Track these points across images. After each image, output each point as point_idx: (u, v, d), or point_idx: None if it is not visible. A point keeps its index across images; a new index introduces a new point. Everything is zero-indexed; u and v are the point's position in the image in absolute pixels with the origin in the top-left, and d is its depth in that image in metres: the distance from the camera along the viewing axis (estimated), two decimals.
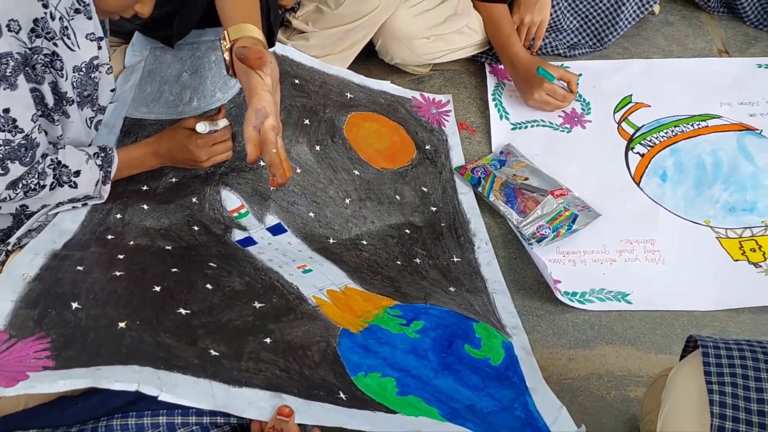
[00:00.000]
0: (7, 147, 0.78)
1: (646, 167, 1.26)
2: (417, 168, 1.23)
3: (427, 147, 1.27)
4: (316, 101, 1.21)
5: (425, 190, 1.20)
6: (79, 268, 0.83)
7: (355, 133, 1.21)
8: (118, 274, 0.83)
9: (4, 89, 0.75)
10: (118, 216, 0.95)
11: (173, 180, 1.05)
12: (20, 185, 0.81)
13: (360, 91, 1.30)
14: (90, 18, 0.84)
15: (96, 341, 0.71)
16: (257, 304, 0.84)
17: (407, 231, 1.12)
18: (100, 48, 0.88)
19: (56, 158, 0.86)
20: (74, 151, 0.89)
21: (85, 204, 0.94)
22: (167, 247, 0.91)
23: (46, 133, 0.85)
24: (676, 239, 1.14)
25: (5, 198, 0.81)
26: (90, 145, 0.96)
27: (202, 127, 0.95)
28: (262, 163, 1.09)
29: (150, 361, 0.69)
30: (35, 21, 0.78)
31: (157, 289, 0.82)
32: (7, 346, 0.68)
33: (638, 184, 1.24)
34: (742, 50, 1.51)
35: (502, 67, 1.43)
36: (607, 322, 1.03)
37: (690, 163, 1.26)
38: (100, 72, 0.90)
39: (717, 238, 1.13)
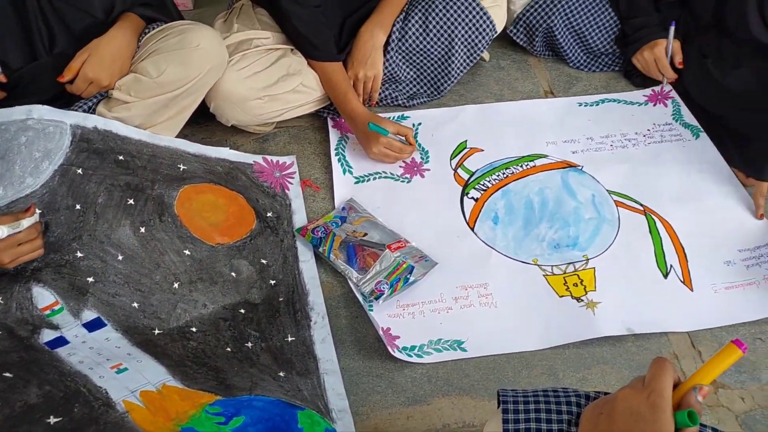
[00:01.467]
0: None
1: (480, 211, 1.32)
2: (256, 239, 1.21)
3: (269, 214, 1.26)
4: (143, 177, 1.16)
5: (264, 262, 1.18)
6: None
7: (187, 208, 1.18)
8: None
9: None
10: None
11: None
12: None
13: (195, 161, 1.27)
14: None
15: None
16: (53, 419, 0.78)
17: (242, 311, 1.09)
18: None
19: None
20: None
21: None
22: None
23: None
24: (506, 281, 1.19)
25: None
26: None
27: (1, 232, 0.89)
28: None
29: None
30: None
31: None
32: None
33: (472, 229, 1.29)
34: (565, 90, 1.63)
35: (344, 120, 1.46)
36: (444, 374, 1.06)
37: (519, 203, 1.33)
38: None
39: (544, 275, 1.20)
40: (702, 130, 1.48)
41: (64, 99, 1.20)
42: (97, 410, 0.82)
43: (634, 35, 1.57)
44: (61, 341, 0.94)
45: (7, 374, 0.83)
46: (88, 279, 1.03)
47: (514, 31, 1.68)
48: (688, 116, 1.52)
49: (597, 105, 1.58)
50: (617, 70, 1.67)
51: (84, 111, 1.20)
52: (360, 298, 1.14)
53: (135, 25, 1.23)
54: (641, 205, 1.32)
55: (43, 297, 0.98)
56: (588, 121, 1.53)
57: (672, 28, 1.49)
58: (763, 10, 1.40)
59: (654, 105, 1.57)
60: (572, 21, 1.61)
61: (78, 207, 1.07)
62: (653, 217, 1.30)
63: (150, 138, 1.23)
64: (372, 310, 1.12)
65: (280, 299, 1.13)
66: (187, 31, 1.22)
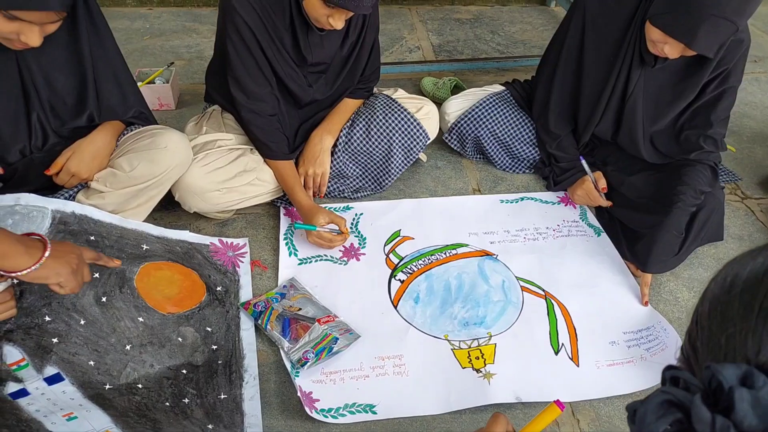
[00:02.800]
0: None
1: (404, 292, 1.52)
2: (204, 309, 1.39)
3: (218, 288, 1.45)
4: (109, 255, 1.36)
5: (209, 329, 1.36)
6: None
7: (145, 282, 1.36)
8: None
9: None
10: None
11: None
12: None
13: (157, 242, 1.47)
14: None
15: None
16: None
17: (184, 371, 1.25)
18: None
19: None
20: None
21: None
22: None
23: None
24: (420, 353, 1.36)
25: None
26: None
27: None
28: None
29: None
30: None
31: None
32: None
33: (395, 307, 1.48)
34: (491, 188, 1.88)
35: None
36: None
37: (439, 286, 1.53)
38: None
39: (452, 349, 1.38)
40: (603, 230, 1.72)
41: (50, 188, 1.42)
42: None
43: (562, 176, 1.79)
44: (23, 393, 1.09)
45: None
46: (53, 340, 1.19)
47: (449, 137, 1.95)
48: (592, 218, 1.76)
49: (516, 202, 1.82)
50: (536, 173, 1.93)
51: (65, 198, 1.41)
52: (288, 366, 1.31)
53: (116, 128, 1.48)
54: (543, 290, 1.53)
55: (12, 354, 1.14)
56: (507, 215, 1.76)
57: (584, 163, 1.71)
58: (652, 140, 1.66)
59: (565, 205, 1.81)
60: (496, 131, 1.88)
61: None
62: (552, 300, 1.50)
63: (119, 221, 1.44)
64: (297, 376, 1.29)
65: (219, 362, 1.30)
66: (158, 134, 1.46)
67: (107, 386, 1.18)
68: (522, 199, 1.83)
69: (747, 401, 0.37)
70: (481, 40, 2.78)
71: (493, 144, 1.90)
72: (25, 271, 0.96)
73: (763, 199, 1.88)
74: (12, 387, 1.10)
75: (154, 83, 2.13)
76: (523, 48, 2.72)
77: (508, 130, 1.88)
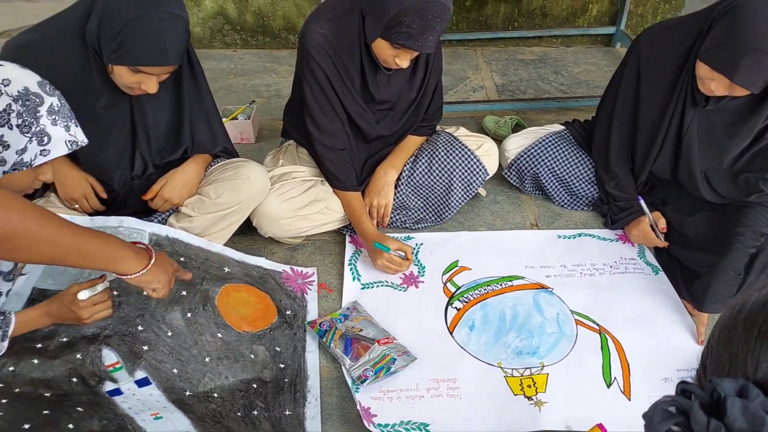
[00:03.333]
0: None
1: (460, 319, 1.59)
2: (275, 331, 1.50)
3: (288, 312, 1.57)
4: (195, 275, 1.49)
5: (278, 349, 1.47)
6: None
7: (225, 302, 1.50)
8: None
9: None
10: (11, 368, 1.19)
11: (64, 339, 1.29)
12: None
13: (237, 266, 1.61)
14: None
15: None
16: None
17: (254, 386, 1.37)
18: None
19: None
20: None
21: None
22: (46, 394, 1.15)
23: None
24: (473, 378, 1.43)
25: None
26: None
27: (83, 295, 1.21)
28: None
29: None
30: None
31: (26, 426, 1.05)
32: None
33: (451, 333, 1.55)
34: (548, 224, 1.94)
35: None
36: None
37: (494, 315, 1.60)
38: None
39: (504, 376, 1.44)
40: (661, 269, 1.73)
41: (145, 211, 1.61)
42: None
43: (620, 215, 1.83)
44: (117, 392, 1.24)
45: (80, 408, 1.14)
46: (143, 347, 1.34)
47: (508, 173, 2.03)
48: (650, 257, 1.78)
49: (574, 238, 1.87)
50: (594, 210, 1.97)
51: (159, 222, 1.60)
52: (349, 382, 1.41)
53: (204, 160, 1.66)
54: (597, 324, 1.56)
55: (109, 357, 1.29)
56: (564, 251, 1.81)
57: (642, 203, 1.74)
58: (709, 181, 1.68)
59: (623, 243, 1.84)
60: (555, 169, 1.94)
61: (145, 293, 1.42)
62: (606, 335, 1.53)
63: (205, 245, 1.60)
64: (357, 392, 1.38)
65: (286, 380, 1.41)
66: (241, 166, 1.63)
67: (187, 392, 1.31)
68: (580, 235, 1.88)
69: (738, 408, 0.44)
70: (544, 80, 2.86)
71: (551, 181, 1.96)
72: (134, 275, 1.12)
73: None
74: (108, 386, 1.26)
75: (237, 119, 2.34)
76: (586, 88, 2.78)
77: (567, 169, 1.94)
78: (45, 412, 1.10)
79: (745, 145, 1.59)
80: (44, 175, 1.15)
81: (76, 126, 1.13)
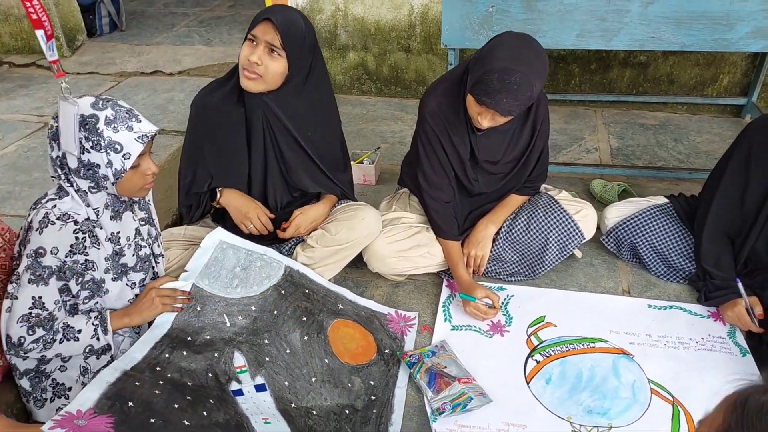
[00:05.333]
0: (36, 318, 1.31)
1: (538, 371, 1.72)
2: (372, 366, 1.71)
3: (386, 351, 1.77)
4: (315, 306, 1.76)
5: (372, 383, 1.66)
6: (137, 383, 1.34)
7: (335, 334, 1.73)
8: (157, 392, 1.35)
9: (38, 286, 1.31)
10: (167, 355, 1.48)
11: (208, 337, 1.59)
12: (41, 341, 1.33)
13: (349, 304, 1.86)
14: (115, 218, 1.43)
15: (139, 427, 1.23)
16: None
17: (347, 411, 1.57)
18: (156, 241, 1.55)
19: (66, 323, 1.36)
20: (79, 316, 1.40)
21: (103, 353, 1.46)
22: (189, 383, 1.42)
23: (66, 304, 1.39)
24: (542, 427, 1.55)
25: (31, 349, 1.33)
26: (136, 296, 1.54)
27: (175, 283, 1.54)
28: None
29: None
30: (71, 245, 1.34)
31: (176, 405, 1.34)
32: (92, 417, 1.22)
33: (528, 384, 1.68)
34: (641, 292, 2.00)
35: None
36: None
37: (572, 373, 1.71)
38: (157, 259, 1.56)
39: (572, 430, 1.54)
40: (749, 352, 1.74)
41: (273, 239, 1.93)
42: None
43: (716, 293, 1.85)
44: (239, 392, 1.50)
45: (211, 400, 1.40)
46: (266, 358, 1.59)
47: (606, 240, 2.12)
48: (741, 338, 1.79)
49: (665, 309, 1.91)
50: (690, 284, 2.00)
51: (289, 247, 1.91)
52: (428, 411, 1.59)
53: (332, 201, 1.96)
54: (672, 396, 1.61)
55: (239, 360, 1.56)
56: (652, 320, 1.87)
57: (740, 285, 1.75)
58: None
59: (714, 320, 1.86)
60: (653, 242, 2.01)
61: (275, 312, 1.69)
62: (679, 408, 1.58)
63: (326, 283, 1.86)
64: (435, 422, 1.56)
65: (374, 411, 1.60)
66: (359, 209, 1.91)
67: (293, 405, 1.53)
68: (671, 307, 1.92)
69: None
70: (662, 147, 2.88)
71: (649, 252, 2.03)
72: None
73: None
74: (234, 386, 1.51)
75: (363, 163, 2.64)
76: (705, 159, 2.76)
77: (666, 242, 2.00)
78: (188, 397, 1.37)
79: None
80: (149, 170, 1.37)
81: (139, 122, 1.31)
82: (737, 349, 1.76)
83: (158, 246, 1.59)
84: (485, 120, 1.71)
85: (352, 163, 2.53)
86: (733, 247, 1.87)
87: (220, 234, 1.75)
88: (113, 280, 1.46)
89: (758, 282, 1.84)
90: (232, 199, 1.85)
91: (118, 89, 3.39)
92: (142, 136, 1.31)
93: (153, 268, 1.57)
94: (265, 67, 1.67)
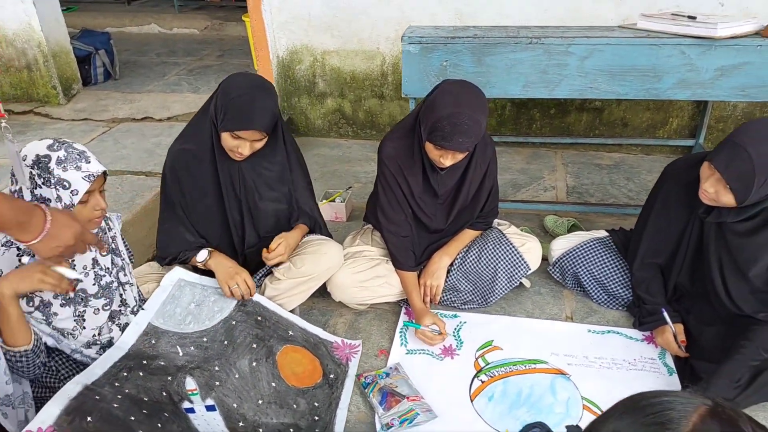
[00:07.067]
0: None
1: (482, 390, 1.88)
2: (317, 389, 1.84)
3: (331, 375, 1.91)
4: (266, 333, 1.89)
5: (316, 404, 1.80)
6: (96, 397, 1.45)
7: (283, 359, 1.86)
8: (115, 405, 1.46)
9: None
10: (125, 374, 1.58)
11: (162, 363, 1.68)
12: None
13: (299, 331, 2.00)
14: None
15: None
16: None
17: (291, 430, 1.71)
18: (122, 271, 1.69)
19: None
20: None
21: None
22: (145, 399, 1.54)
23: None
24: None
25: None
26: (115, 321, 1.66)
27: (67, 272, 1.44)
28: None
29: None
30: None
31: (132, 418, 1.44)
32: None
33: (472, 401, 1.84)
34: (582, 318, 2.17)
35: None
36: None
37: (513, 391, 1.86)
38: (124, 287, 1.70)
39: None
40: (675, 371, 1.91)
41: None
42: None
43: (648, 318, 2.02)
44: (191, 410, 1.63)
45: (166, 414, 1.53)
46: (216, 382, 1.70)
47: (552, 270, 2.30)
48: (669, 359, 1.96)
49: (603, 333, 2.09)
50: (628, 311, 2.18)
51: (257, 280, 2.08)
52: (377, 426, 1.74)
53: (304, 231, 2.14)
54: (602, 411, 1.77)
55: (190, 384, 1.67)
56: (590, 344, 2.04)
57: (665, 314, 1.93)
58: (730, 293, 1.85)
59: (648, 343, 2.03)
60: (593, 271, 2.20)
61: (226, 342, 1.81)
62: None
63: (279, 310, 2.00)
64: None
65: (317, 430, 1.74)
66: (323, 244, 2.09)
67: (240, 423, 1.66)
68: (609, 332, 2.10)
69: None
70: (615, 185, 3.10)
71: (590, 281, 2.21)
72: (30, 243, 1.21)
73: None
74: (186, 404, 1.64)
75: (335, 202, 2.85)
76: None
77: (605, 271, 2.18)
78: (144, 411, 1.48)
79: (765, 261, 1.77)
80: (98, 206, 1.47)
81: (89, 162, 1.43)
82: (665, 369, 1.93)
83: (125, 275, 1.74)
84: (447, 160, 1.90)
85: (324, 201, 2.73)
86: (664, 276, 2.05)
87: (178, 273, 1.91)
88: (62, 306, 1.54)
89: (685, 307, 2.02)
90: (221, 261, 1.97)
91: (110, 134, 3.61)
92: (89, 175, 1.43)
93: (121, 295, 1.72)
94: (252, 150, 1.88)
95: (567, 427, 0.72)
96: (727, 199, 1.68)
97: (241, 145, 1.83)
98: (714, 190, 1.70)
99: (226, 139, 1.84)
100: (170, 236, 1.99)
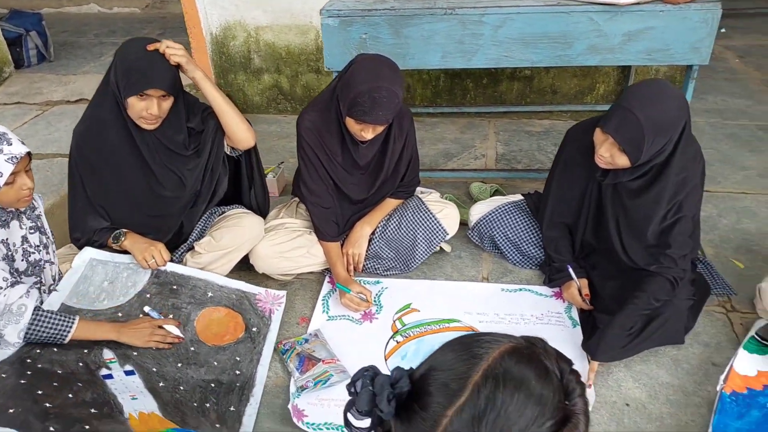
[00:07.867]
0: None
1: (397, 350, 1.96)
2: (239, 344, 1.92)
3: (254, 329, 1.99)
4: (182, 300, 1.95)
5: (238, 359, 1.87)
6: (2, 375, 1.50)
7: (202, 323, 1.93)
8: (22, 381, 1.50)
9: None
10: (38, 351, 1.62)
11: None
12: None
13: (219, 290, 2.06)
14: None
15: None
16: (92, 410, 1.49)
17: (212, 385, 1.77)
18: (45, 249, 1.74)
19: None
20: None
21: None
22: (58, 371, 1.59)
23: None
24: None
25: None
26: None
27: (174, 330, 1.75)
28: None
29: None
30: None
31: (40, 392, 1.48)
32: None
33: (386, 361, 1.93)
34: (497, 278, 2.27)
35: None
36: None
37: (425, 349, 1.94)
38: (44, 266, 1.74)
39: None
40: (579, 323, 2.02)
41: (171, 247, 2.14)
42: (115, 413, 1.53)
43: (556, 276, 2.12)
44: (109, 377, 1.68)
45: (80, 383, 1.58)
46: (133, 353, 1.72)
47: (471, 234, 2.39)
48: (574, 313, 2.07)
49: (515, 292, 2.19)
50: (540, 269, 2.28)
51: (179, 256, 2.12)
52: (292, 389, 1.82)
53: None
54: None
55: (107, 354, 1.73)
56: (502, 302, 2.14)
57: (570, 270, 2.03)
58: (627, 250, 1.96)
59: (556, 299, 2.14)
60: (508, 233, 2.29)
61: (141, 315, 1.87)
62: None
63: (196, 273, 2.05)
64: (298, 397, 1.79)
65: (237, 384, 1.80)
66: (242, 217, 2.14)
67: (161, 384, 1.72)
68: (521, 290, 2.20)
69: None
70: (542, 151, 3.19)
71: (505, 243, 2.31)
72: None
73: (749, 314, 2.03)
74: (104, 371, 1.69)
75: (267, 176, 2.88)
76: None
77: (518, 233, 2.28)
78: (54, 383, 1.53)
79: (657, 217, 1.87)
80: (25, 185, 1.54)
81: (10, 144, 1.48)
82: (570, 321, 2.04)
83: (47, 253, 1.78)
84: (368, 133, 1.95)
85: None
86: (572, 235, 2.15)
87: (89, 252, 1.94)
88: (4, 280, 1.60)
89: (591, 263, 2.13)
90: (135, 239, 1.99)
91: (43, 117, 3.55)
92: (12, 157, 1.49)
93: (42, 272, 1.76)
94: (161, 112, 1.86)
95: (396, 368, 0.79)
96: (623, 161, 1.77)
97: (149, 105, 1.81)
98: (609, 154, 1.79)
99: (134, 104, 1.82)
100: (80, 221, 2.00)
